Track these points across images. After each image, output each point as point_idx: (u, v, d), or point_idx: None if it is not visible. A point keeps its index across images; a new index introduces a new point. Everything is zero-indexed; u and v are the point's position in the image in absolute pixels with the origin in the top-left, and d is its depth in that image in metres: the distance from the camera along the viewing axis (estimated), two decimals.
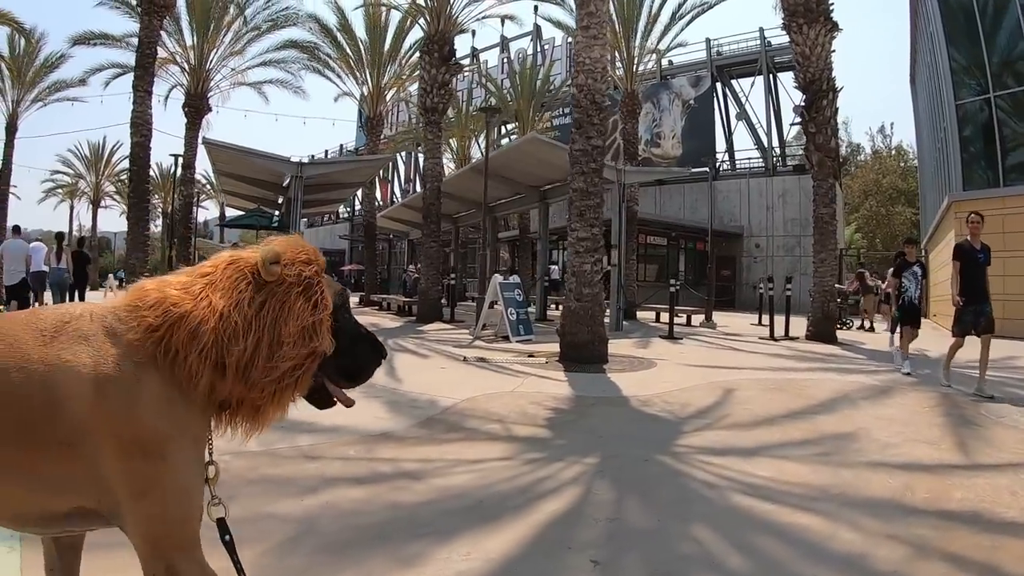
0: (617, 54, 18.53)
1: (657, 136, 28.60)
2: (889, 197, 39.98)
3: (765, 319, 12.66)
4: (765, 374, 7.07)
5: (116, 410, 1.11)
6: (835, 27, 12.25)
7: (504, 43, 36.88)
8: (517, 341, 9.72)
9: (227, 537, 1.28)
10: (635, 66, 18.65)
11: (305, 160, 14.89)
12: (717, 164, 27.48)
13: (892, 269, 8.80)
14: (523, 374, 6.76)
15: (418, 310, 14.85)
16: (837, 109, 12.66)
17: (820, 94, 12.18)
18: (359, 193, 32.68)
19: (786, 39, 15.13)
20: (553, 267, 21.50)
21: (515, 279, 11.43)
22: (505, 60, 34.86)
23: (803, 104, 12.61)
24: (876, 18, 72.97)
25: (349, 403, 1.41)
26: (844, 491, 3.28)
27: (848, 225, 39.68)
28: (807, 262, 15.82)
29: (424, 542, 2.49)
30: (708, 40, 27.85)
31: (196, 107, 20.52)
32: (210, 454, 1.27)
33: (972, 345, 6.11)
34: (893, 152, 43.48)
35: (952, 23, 15.46)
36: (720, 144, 28.07)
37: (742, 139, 32.41)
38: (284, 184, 13.59)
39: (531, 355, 8.16)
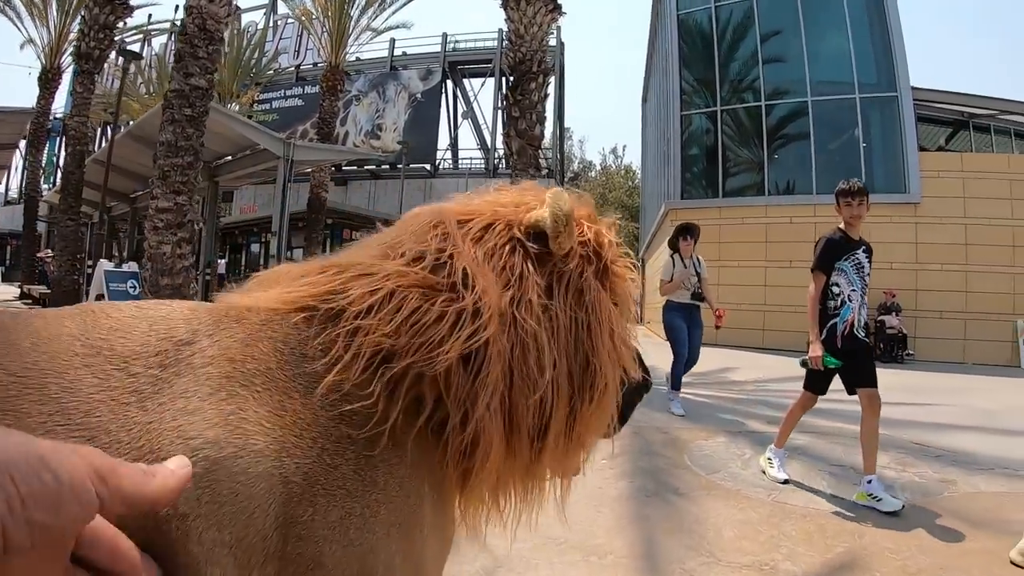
0: (326, 23, 16.26)
1: (378, 127, 26.31)
2: (614, 211, 43.22)
3: None
4: None
5: (325, 537, 0.49)
6: (557, 8, 10.82)
7: (235, 10, 31.67)
8: None
9: None
10: (345, 38, 16.41)
11: None
12: (438, 161, 26.39)
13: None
14: None
15: (51, 303, 11.73)
16: (547, 95, 11.01)
17: (529, 76, 10.43)
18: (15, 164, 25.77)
19: None
20: (221, 260, 19.33)
21: (131, 267, 8.74)
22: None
23: (508, 86, 10.76)
24: (628, 43, 79.81)
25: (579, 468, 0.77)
26: None
27: None
28: None
29: None
30: (445, 35, 26.48)
31: None
32: None
33: None
34: (622, 171, 47.66)
35: (688, 43, 15.90)
36: (443, 141, 27.09)
37: (466, 138, 32.12)
38: None
39: None
